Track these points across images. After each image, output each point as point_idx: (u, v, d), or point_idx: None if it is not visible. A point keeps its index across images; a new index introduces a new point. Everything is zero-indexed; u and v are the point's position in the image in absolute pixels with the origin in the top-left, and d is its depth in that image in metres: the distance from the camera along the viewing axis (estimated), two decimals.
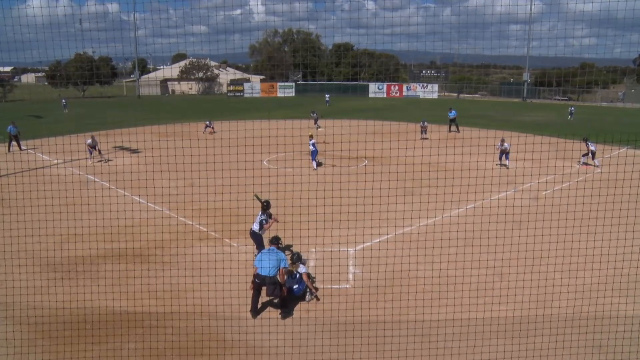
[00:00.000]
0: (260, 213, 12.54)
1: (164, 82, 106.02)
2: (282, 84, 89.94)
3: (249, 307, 10.53)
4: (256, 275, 10.39)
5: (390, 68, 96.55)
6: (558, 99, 78.26)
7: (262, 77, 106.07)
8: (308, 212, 13.22)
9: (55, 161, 26.45)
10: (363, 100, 73.63)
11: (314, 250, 13.55)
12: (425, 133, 33.67)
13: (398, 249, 13.25)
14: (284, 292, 10.67)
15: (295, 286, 11.09)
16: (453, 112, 37.78)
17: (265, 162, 25.24)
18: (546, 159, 22.76)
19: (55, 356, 9.06)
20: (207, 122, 39.20)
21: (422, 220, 15.90)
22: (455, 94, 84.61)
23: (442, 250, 12.29)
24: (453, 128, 37.66)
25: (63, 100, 64.28)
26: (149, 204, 18.03)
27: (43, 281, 11.88)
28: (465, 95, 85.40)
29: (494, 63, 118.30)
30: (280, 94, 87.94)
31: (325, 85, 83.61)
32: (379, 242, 14.26)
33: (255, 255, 10.89)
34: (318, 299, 11.11)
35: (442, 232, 13.68)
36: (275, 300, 10.89)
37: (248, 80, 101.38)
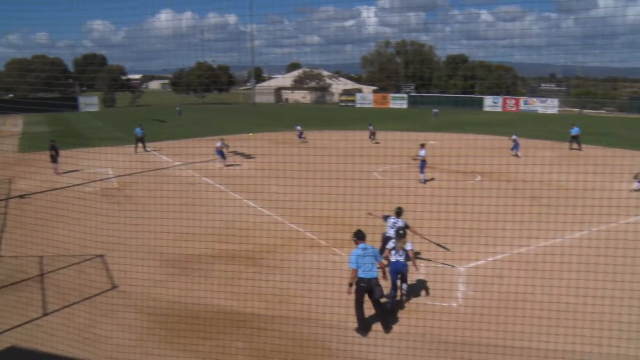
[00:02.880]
0: (392, 220, 12.60)
1: (278, 90, 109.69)
2: (395, 95, 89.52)
3: (356, 324, 10.26)
4: (360, 280, 10.04)
5: (507, 81, 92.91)
6: None
7: (374, 87, 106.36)
8: (420, 227, 12.92)
9: (176, 163, 28.14)
10: (477, 114, 71.47)
11: (422, 264, 13.26)
12: (517, 150, 31.26)
13: (512, 270, 12.55)
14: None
15: (400, 258, 11.12)
16: (575, 128, 35.50)
17: (376, 174, 25.20)
18: None
19: (170, 346, 9.57)
20: (298, 129, 39.85)
21: (540, 241, 14.99)
22: (577, 110, 79.66)
23: (560, 275, 11.55)
24: (574, 145, 35.40)
25: (178, 108, 68.33)
26: (261, 208, 18.58)
27: (162, 275, 12.65)
28: (589, 110, 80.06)
29: (623, 76, 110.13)
30: (392, 105, 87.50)
31: (438, 98, 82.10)
32: (492, 261, 13.63)
33: (350, 257, 10.48)
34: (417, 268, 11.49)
35: (562, 255, 12.84)
36: (383, 301, 10.63)
37: (360, 91, 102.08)
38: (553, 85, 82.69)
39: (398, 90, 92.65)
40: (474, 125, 51.00)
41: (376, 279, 10.12)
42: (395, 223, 12.58)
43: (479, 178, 24.74)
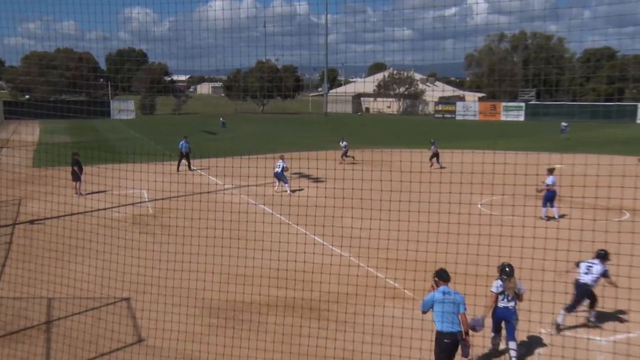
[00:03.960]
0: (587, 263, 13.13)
1: (357, 97, 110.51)
2: (509, 104, 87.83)
3: None
4: (442, 335, 10.03)
5: None
6: None
7: (480, 94, 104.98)
8: (541, 279, 12.38)
9: (227, 186, 28.67)
10: (626, 128, 68.65)
11: (543, 331, 12.77)
12: None
13: None
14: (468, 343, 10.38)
15: (510, 304, 11.28)
16: None
17: (479, 206, 24.57)
18: None
19: None
20: (343, 145, 40.28)
21: None
22: None
23: None
24: None
25: (222, 119, 69.58)
26: (331, 246, 18.57)
27: (201, 327, 12.70)
28: None
29: None
30: (505, 117, 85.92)
31: (568, 107, 79.49)
32: None
33: (424, 301, 10.48)
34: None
35: None
36: None
37: (462, 99, 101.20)
38: None
39: (513, 98, 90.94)
40: (622, 144, 48.89)
41: (461, 333, 10.11)
42: (589, 267, 13.07)
43: (627, 216, 23.64)
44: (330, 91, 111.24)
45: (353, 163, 39.21)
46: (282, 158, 29.39)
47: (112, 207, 24.25)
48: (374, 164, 35.46)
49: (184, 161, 35.31)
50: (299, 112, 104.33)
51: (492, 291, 11.52)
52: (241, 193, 28.49)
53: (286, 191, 28.56)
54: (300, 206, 18.61)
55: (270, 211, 23.79)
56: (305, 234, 19.66)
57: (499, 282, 11.48)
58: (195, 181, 29.44)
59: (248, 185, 29.08)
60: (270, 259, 15.78)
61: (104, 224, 20.51)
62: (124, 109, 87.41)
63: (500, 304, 11.34)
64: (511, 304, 11.28)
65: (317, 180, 31.43)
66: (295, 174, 31.79)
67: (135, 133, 64.70)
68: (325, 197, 22.01)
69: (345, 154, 40.30)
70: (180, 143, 35.55)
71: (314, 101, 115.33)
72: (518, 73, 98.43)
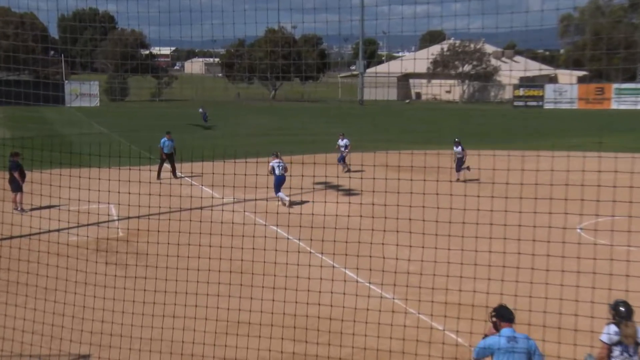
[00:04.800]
0: None
1: (405, 79, 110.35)
2: (623, 86, 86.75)
3: None
4: None
5: None
6: None
7: (580, 73, 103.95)
8: None
9: (227, 200, 28.81)
10: None
11: None
12: None
13: None
14: None
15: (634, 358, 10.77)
16: None
17: (579, 231, 24.37)
18: None
19: None
20: (343, 144, 40.62)
21: None
22: None
23: None
24: None
25: (201, 110, 69.09)
26: (368, 284, 18.45)
27: None
28: None
29: None
30: (616, 105, 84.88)
31: None
32: None
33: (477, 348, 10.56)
34: None
35: None
36: None
37: (553, 79, 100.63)
38: None
39: (630, 78, 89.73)
40: None
41: None
42: None
43: None
44: (368, 70, 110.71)
45: (349, 171, 39.61)
46: (277, 156, 30.47)
47: (67, 229, 23.88)
48: (427, 172, 35.19)
49: (166, 165, 35.39)
50: (325, 99, 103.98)
51: (602, 340, 11.03)
52: (245, 209, 28.55)
53: (283, 204, 29.91)
54: (326, 228, 18.39)
55: (285, 235, 23.64)
56: (333, 266, 19.46)
57: (613, 327, 10.96)
58: (182, 193, 29.47)
59: (255, 200, 29.04)
60: (285, 301, 15.51)
61: (56, 251, 20.49)
62: (84, 93, 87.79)
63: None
64: (634, 357, 10.76)
65: (349, 192, 31.27)
66: (319, 183, 31.68)
67: (99, 127, 64.73)
68: (361, 216, 21.76)
69: (343, 160, 40.56)
70: (162, 141, 35.67)
71: (346, 84, 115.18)
72: (638, 41, 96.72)
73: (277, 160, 30.62)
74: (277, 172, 30.68)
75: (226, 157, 33.68)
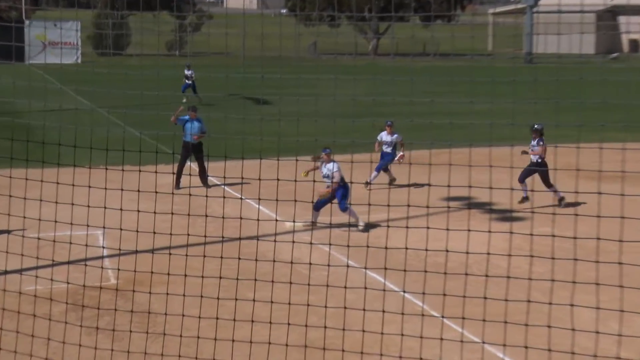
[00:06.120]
0: None
1: (611, 15, 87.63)
2: None
3: None
4: None
5: None
6: None
7: None
8: None
9: (289, 223, 24.46)
10: None
11: None
12: None
13: None
14: None
15: None
16: None
17: None
18: None
19: None
20: (387, 144, 32.65)
21: None
22: None
23: None
24: None
25: (187, 70, 54.65)
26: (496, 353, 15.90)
27: None
28: None
29: None
30: None
31: None
32: None
33: None
34: None
35: None
36: None
37: None
38: None
39: None
40: None
41: None
42: None
43: None
44: (542, 2, 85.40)
45: (390, 186, 30.47)
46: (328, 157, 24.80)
47: (28, 270, 18.40)
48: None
49: (190, 164, 28.60)
50: (462, 53, 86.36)
51: None
52: (319, 241, 22.59)
53: (359, 226, 24.89)
54: (469, 276, 14.33)
55: (382, 280, 17.43)
56: (461, 333, 15.37)
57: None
58: (214, 210, 22.77)
59: (330, 228, 23.05)
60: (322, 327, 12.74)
61: (12, 307, 15.94)
62: (56, 41, 76.72)
63: None
64: None
65: (504, 214, 25.95)
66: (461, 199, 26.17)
67: (82, 99, 54.04)
68: (509, 256, 16.67)
69: (387, 169, 31.01)
70: (184, 123, 28.55)
71: (500, 26, 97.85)
72: None
73: (333, 163, 24.73)
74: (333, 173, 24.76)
75: (287, 152, 26.24)
